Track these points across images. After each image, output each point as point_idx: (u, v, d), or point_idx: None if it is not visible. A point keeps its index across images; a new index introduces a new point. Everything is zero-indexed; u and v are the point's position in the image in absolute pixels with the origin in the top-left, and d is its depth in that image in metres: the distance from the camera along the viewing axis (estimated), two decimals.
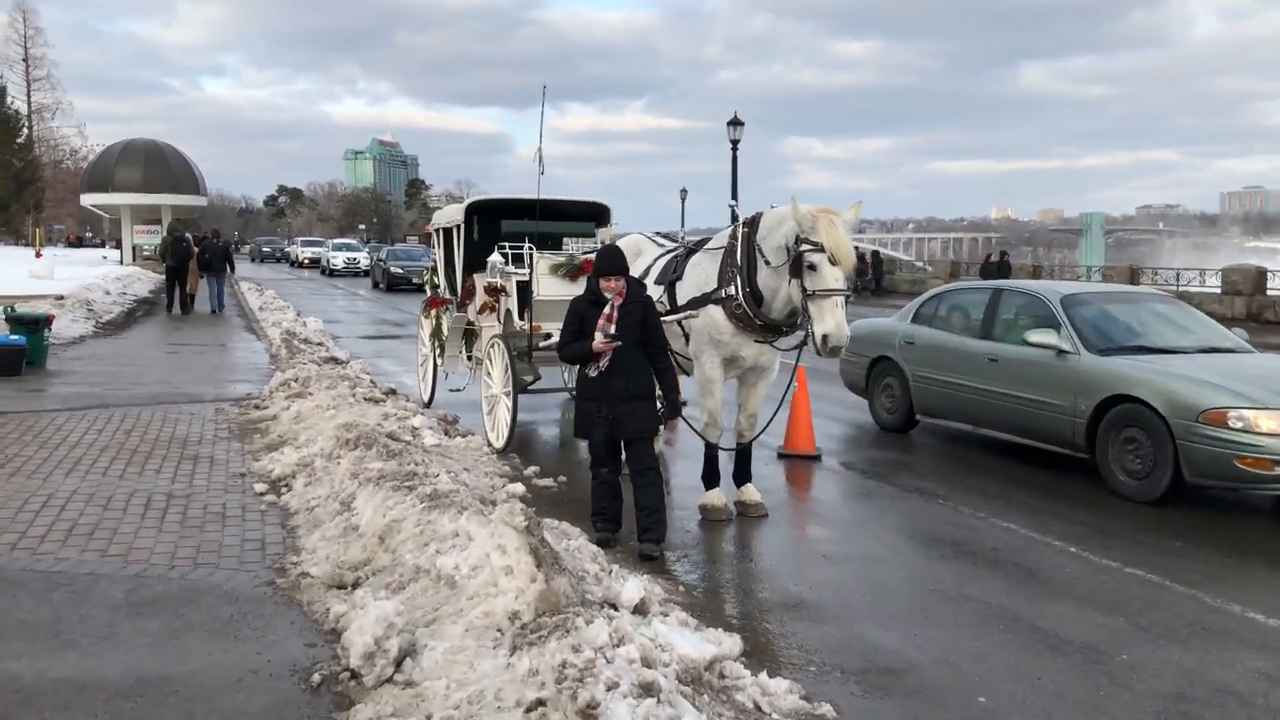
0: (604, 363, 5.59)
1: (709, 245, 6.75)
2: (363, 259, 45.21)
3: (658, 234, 8.19)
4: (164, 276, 22.86)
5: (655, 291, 6.65)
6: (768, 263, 6.11)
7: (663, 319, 6.14)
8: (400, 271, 33.43)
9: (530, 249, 8.33)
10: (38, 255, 34.19)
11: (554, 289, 8.09)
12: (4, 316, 12.14)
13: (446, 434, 8.25)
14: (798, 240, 5.83)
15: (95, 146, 54.49)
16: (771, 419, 6.92)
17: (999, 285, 9.22)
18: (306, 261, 54.44)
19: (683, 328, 6.59)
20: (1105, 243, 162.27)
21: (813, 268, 5.76)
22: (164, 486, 6.42)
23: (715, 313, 6.34)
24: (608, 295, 5.64)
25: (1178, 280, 28.80)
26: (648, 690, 3.17)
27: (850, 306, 6.12)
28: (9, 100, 55.20)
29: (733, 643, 4.03)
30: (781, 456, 8.27)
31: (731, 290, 6.25)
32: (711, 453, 6.56)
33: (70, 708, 3.43)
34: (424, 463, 6.12)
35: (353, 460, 6.15)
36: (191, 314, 21.27)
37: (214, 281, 22.10)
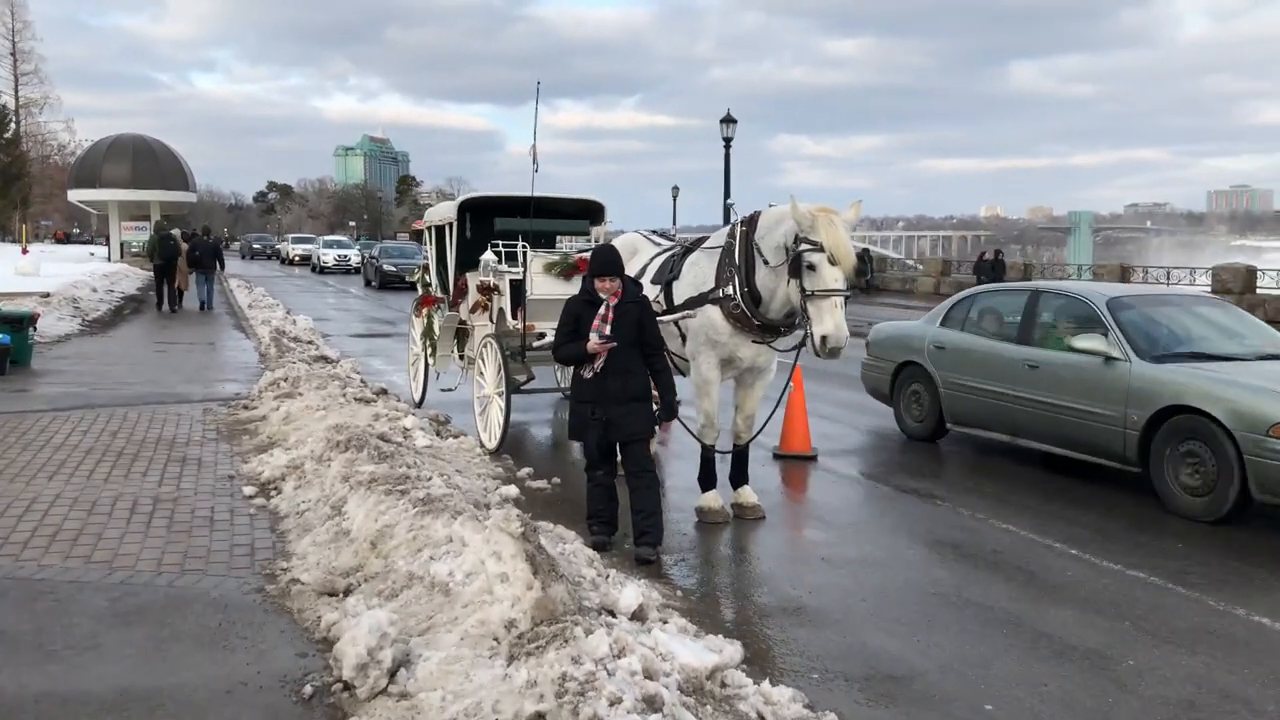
0: (599, 364, 5.51)
1: (706, 244, 6.66)
2: (354, 256, 44.94)
3: (652, 232, 8.10)
4: (152, 274, 22.72)
5: (651, 291, 6.56)
6: (766, 262, 6.02)
7: (659, 319, 6.06)
8: (393, 269, 33.16)
9: (524, 247, 8.23)
10: (24, 251, 33.91)
11: (548, 288, 8.00)
12: None
13: (438, 435, 8.15)
14: (797, 240, 5.75)
15: (83, 142, 54.38)
16: (769, 419, 6.85)
17: (1036, 287, 8.70)
18: (297, 259, 54.10)
19: (679, 328, 6.49)
20: (1093, 241, 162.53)
21: (812, 268, 5.68)
22: (150, 490, 6.30)
23: (712, 313, 6.25)
24: (603, 295, 5.55)
25: (1168, 279, 28.84)
26: (651, 704, 3.08)
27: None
28: None
29: (734, 650, 3.93)
30: (777, 457, 8.19)
31: (729, 290, 6.17)
32: (708, 455, 6.48)
33: None
34: (416, 465, 6.02)
35: (344, 463, 6.04)
36: (180, 311, 21.12)
37: (203, 278, 21.97)
